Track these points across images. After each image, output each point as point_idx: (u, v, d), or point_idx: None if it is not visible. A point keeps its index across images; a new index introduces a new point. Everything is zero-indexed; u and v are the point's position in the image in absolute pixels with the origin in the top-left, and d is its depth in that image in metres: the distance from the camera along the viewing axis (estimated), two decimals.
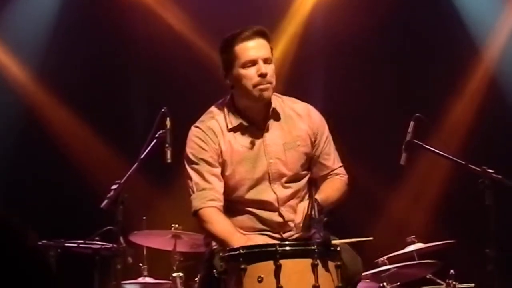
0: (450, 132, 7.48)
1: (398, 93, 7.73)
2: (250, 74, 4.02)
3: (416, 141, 4.95)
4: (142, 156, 5.01)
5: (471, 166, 4.93)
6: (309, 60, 7.96)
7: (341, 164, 4.31)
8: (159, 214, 7.36)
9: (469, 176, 5.01)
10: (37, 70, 7.88)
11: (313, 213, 3.73)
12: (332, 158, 4.26)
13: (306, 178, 4.20)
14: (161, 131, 4.99)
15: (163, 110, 5.02)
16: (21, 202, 7.03)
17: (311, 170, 4.24)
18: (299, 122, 4.19)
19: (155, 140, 4.99)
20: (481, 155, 6.30)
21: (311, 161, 4.22)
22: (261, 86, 4.01)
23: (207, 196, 4.01)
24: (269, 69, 4.04)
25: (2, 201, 7.02)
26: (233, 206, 4.09)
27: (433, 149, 5.05)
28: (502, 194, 4.84)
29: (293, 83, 7.57)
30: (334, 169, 4.26)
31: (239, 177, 4.07)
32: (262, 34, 4.09)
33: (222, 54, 4.13)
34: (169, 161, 4.93)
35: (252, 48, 4.04)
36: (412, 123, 4.95)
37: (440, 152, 5.05)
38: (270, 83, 4.03)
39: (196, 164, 4.07)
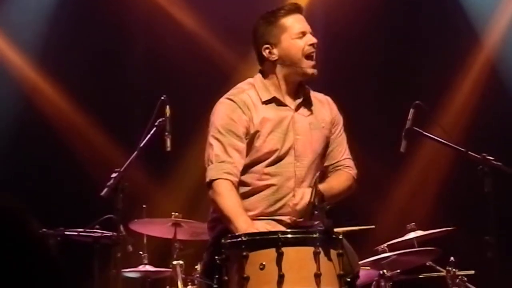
0: (451, 119, 7.48)
1: (398, 80, 7.72)
2: (301, 44, 4.13)
3: (416, 129, 4.94)
4: (142, 144, 5.01)
5: (471, 153, 4.92)
6: None
7: (350, 157, 4.33)
8: (159, 202, 7.38)
9: (469, 163, 5.01)
10: (36, 59, 7.87)
11: (315, 200, 3.73)
12: (342, 150, 4.30)
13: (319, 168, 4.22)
14: (160, 119, 4.99)
15: (162, 98, 5.02)
16: (20, 190, 7.00)
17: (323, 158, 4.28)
18: (322, 108, 4.27)
19: (154, 128, 4.99)
20: (481, 142, 6.31)
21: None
22: (312, 63, 4.14)
23: (225, 169, 3.99)
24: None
25: (1, 189, 7.01)
26: (249, 182, 4.07)
27: (433, 136, 5.05)
28: (502, 181, 4.84)
29: None
30: (342, 159, 4.28)
31: (269, 147, 4.07)
32: (302, 10, 4.25)
33: (267, 27, 4.17)
34: (168, 149, 4.94)
35: (301, 20, 4.19)
36: (411, 110, 4.94)
37: (440, 139, 5.04)
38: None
39: (222, 135, 4.04)
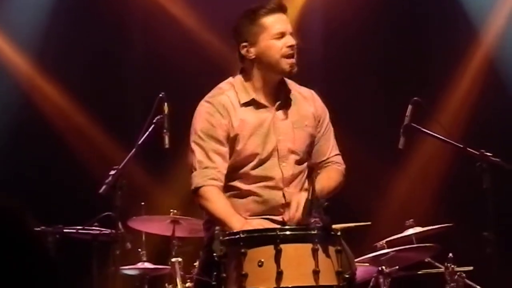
0: (449, 116, 7.48)
1: (397, 77, 7.71)
2: (279, 45, 4.06)
3: (414, 125, 4.94)
4: (140, 142, 5.01)
5: (469, 149, 4.92)
6: (307, 43, 7.93)
7: (338, 153, 4.31)
8: (157, 199, 7.38)
9: (467, 159, 5.01)
10: (35, 56, 7.86)
11: (313, 197, 3.73)
12: (330, 145, 4.27)
13: (306, 164, 4.19)
14: (159, 116, 4.99)
15: (161, 95, 5.02)
16: (19, 188, 7.01)
17: (310, 155, 4.24)
18: (305, 104, 4.21)
19: (153, 126, 4.99)
20: (479, 138, 6.31)
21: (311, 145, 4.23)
22: (291, 56, 4.05)
23: (209, 175, 3.99)
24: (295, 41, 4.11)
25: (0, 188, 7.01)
26: (237, 186, 4.07)
27: (431, 133, 5.04)
28: (500, 177, 4.83)
29: None
30: (331, 157, 4.27)
31: (250, 151, 4.04)
32: (285, 10, 4.17)
33: (247, 26, 4.12)
34: (167, 146, 4.93)
35: (281, 21, 4.11)
36: (410, 106, 4.94)
37: (438, 136, 5.04)
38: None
39: (203, 140, 4.02)
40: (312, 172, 4.10)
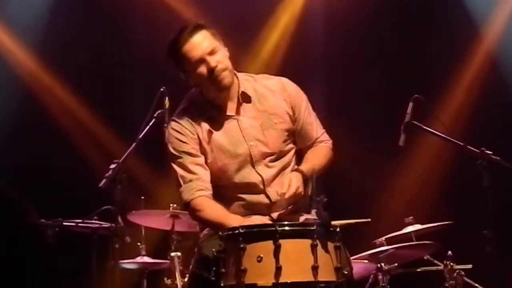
0: (450, 114, 7.47)
1: (398, 74, 7.71)
2: (203, 71, 4.03)
3: (415, 122, 4.94)
4: (141, 136, 5.01)
5: (470, 147, 4.92)
6: (308, 41, 7.94)
7: (323, 131, 4.31)
8: (157, 193, 7.38)
9: (467, 157, 5.01)
10: (36, 50, 7.86)
11: (312, 195, 3.73)
12: (314, 127, 4.26)
13: (291, 153, 4.19)
14: (159, 111, 4.99)
15: (162, 89, 5.02)
16: (19, 181, 7.01)
17: (295, 143, 4.23)
18: (273, 99, 4.16)
19: (153, 120, 4.99)
20: (480, 136, 6.31)
21: (294, 134, 4.21)
22: (217, 78, 4.01)
23: (195, 187, 4.01)
24: (218, 57, 4.04)
25: (0, 180, 7.01)
26: (220, 193, 4.07)
27: (432, 130, 5.04)
28: (500, 176, 4.83)
29: (293, 64, 7.56)
30: (318, 137, 4.27)
31: (221, 163, 4.06)
32: (198, 28, 4.11)
33: (174, 62, 4.14)
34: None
35: (194, 48, 4.05)
36: (411, 104, 4.94)
37: (439, 133, 5.04)
38: (224, 69, 4.03)
39: (179, 157, 4.06)
40: (301, 156, 4.11)
